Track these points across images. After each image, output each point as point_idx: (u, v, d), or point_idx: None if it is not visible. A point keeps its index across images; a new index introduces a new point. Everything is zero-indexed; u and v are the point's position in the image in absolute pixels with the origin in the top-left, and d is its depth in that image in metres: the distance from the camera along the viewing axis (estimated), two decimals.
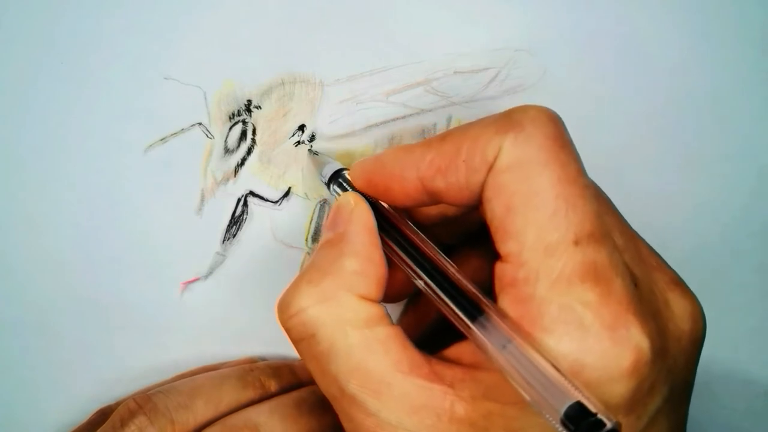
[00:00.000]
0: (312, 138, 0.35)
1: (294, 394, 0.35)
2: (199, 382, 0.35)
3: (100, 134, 0.33)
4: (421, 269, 0.28)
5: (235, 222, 0.36)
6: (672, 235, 0.37)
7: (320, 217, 0.37)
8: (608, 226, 0.27)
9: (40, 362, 0.36)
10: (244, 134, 0.35)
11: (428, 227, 0.32)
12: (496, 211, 0.26)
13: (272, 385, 0.36)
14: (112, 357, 0.37)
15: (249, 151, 0.35)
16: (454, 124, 0.36)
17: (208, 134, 0.34)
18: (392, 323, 0.28)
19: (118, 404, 0.35)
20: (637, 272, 0.27)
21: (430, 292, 0.28)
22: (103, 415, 0.35)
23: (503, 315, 0.25)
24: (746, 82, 0.37)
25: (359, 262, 0.28)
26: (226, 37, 0.33)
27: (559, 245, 0.25)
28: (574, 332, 0.24)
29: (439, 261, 0.28)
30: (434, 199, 0.29)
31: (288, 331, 0.28)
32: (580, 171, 0.26)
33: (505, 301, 0.26)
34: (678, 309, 0.28)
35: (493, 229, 0.27)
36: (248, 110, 0.34)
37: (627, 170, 0.38)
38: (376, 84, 0.35)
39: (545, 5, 0.35)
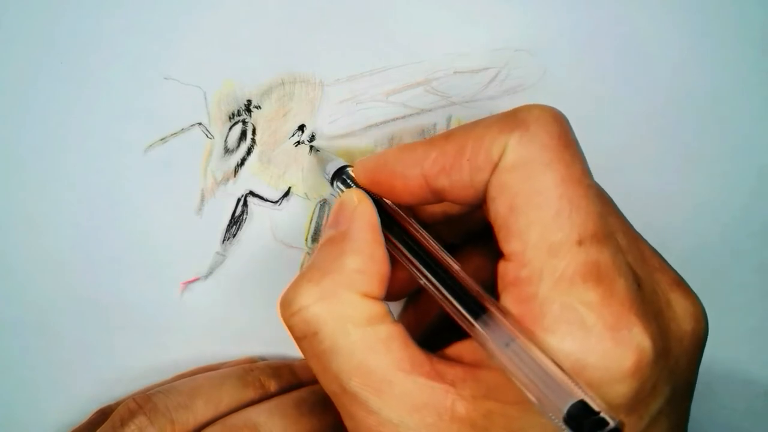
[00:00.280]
0: (312, 138, 0.35)
1: (294, 394, 0.35)
2: (199, 382, 0.35)
3: (100, 134, 0.33)
4: (424, 267, 0.28)
5: (235, 222, 0.36)
6: (672, 235, 0.37)
7: (320, 217, 0.37)
8: (611, 226, 0.27)
9: (40, 362, 0.36)
10: (244, 134, 0.35)
11: (432, 225, 0.32)
12: (499, 210, 0.26)
13: (272, 385, 0.36)
14: (112, 357, 0.37)
15: (249, 151, 0.35)
16: (454, 124, 0.36)
17: (208, 134, 0.34)
18: (394, 321, 0.28)
19: (118, 404, 0.35)
20: (639, 273, 0.27)
21: (434, 289, 0.28)
22: (103, 415, 0.35)
23: (506, 313, 0.25)
24: (746, 82, 0.38)
25: (362, 260, 0.28)
26: (226, 37, 0.33)
27: (563, 245, 0.25)
28: (576, 332, 0.24)
29: (442, 259, 0.28)
30: (438, 197, 0.29)
31: (290, 328, 0.28)
32: (585, 171, 0.26)
33: (508, 300, 0.26)
34: (680, 309, 0.28)
35: (496, 228, 0.27)
36: (248, 110, 0.34)
37: (627, 170, 0.38)
38: (376, 84, 0.35)
39: (545, 5, 0.35)
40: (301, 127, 0.35)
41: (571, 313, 0.25)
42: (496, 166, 0.26)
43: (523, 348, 0.24)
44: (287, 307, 0.28)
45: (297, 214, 0.37)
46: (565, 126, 0.27)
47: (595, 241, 0.25)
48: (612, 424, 0.22)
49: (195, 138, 0.34)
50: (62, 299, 0.35)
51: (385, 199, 0.31)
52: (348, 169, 0.32)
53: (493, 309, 0.26)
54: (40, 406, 0.36)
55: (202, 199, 0.35)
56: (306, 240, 0.37)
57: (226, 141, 0.35)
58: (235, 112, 0.34)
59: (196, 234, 0.35)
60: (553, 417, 0.23)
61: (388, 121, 0.36)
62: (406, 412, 0.26)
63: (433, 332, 0.35)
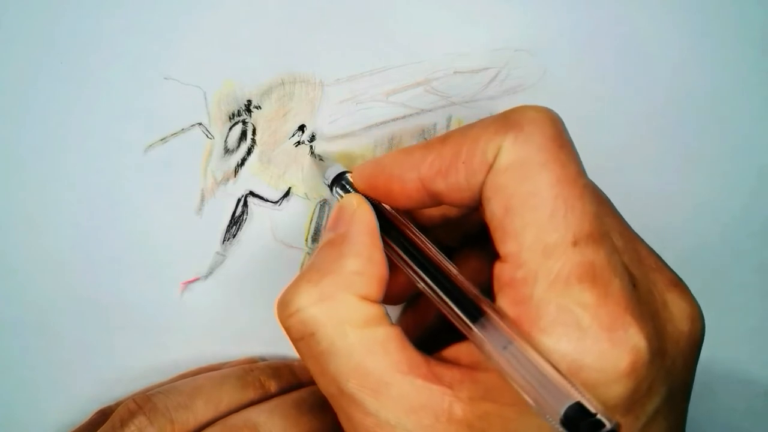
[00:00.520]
0: (312, 138, 0.35)
1: (294, 395, 0.35)
2: (199, 382, 0.35)
3: (100, 134, 0.33)
4: (422, 270, 0.28)
5: (235, 222, 0.36)
6: (672, 235, 0.37)
7: (320, 217, 0.37)
8: (607, 226, 0.27)
9: (40, 362, 0.36)
10: (244, 134, 0.35)
11: (430, 229, 0.32)
12: (495, 211, 0.26)
13: (272, 386, 0.36)
14: (112, 357, 0.37)
15: (249, 151, 0.35)
16: (454, 124, 0.36)
17: (208, 134, 0.34)
18: (392, 323, 0.28)
19: (118, 404, 0.35)
20: (635, 273, 0.27)
21: (431, 293, 0.28)
22: (104, 415, 0.35)
23: (503, 316, 0.25)
24: (746, 82, 0.37)
25: (360, 263, 0.28)
26: (226, 37, 0.33)
27: (558, 246, 0.25)
28: (571, 333, 0.24)
29: (440, 262, 0.28)
30: (435, 200, 0.29)
31: (287, 330, 0.28)
32: (580, 171, 0.26)
33: (504, 301, 0.26)
34: (676, 310, 0.28)
35: (492, 230, 0.27)
36: (248, 110, 0.34)
37: (627, 170, 0.38)
38: (376, 84, 0.35)
39: (545, 5, 0.35)
40: (301, 127, 0.35)
41: (567, 315, 0.25)
42: (491, 167, 0.26)
43: (520, 350, 0.24)
44: (285, 309, 0.28)
45: (297, 215, 0.37)
46: (559, 126, 0.27)
47: (591, 242, 0.25)
48: (609, 425, 0.22)
49: (195, 138, 0.34)
50: (62, 299, 0.35)
51: (383, 204, 0.31)
52: (347, 174, 0.32)
53: (490, 312, 0.26)
54: (40, 406, 0.36)
55: (202, 199, 0.35)
56: (306, 240, 0.37)
57: (226, 141, 0.35)
58: (235, 112, 0.34)
59: (196, 234, 0.35)
60: (550, 419, 0.23)
61: (388, 121, 0.36)
62: (404, 413, 0.26)
63: (431, 335, 0.35)
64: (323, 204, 0.37)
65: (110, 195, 0.34)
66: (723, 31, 0.37)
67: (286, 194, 0.36)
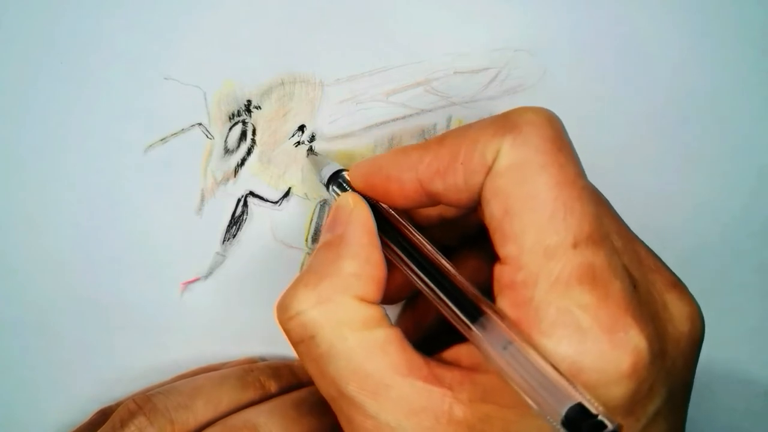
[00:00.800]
0: (312, 138, 0.35)
1: (294, 395, 0.35)
2: (199, 382, 0.35)
3: (100, 134, 0.33)
4: (421, 270, 0.28)
5: (235, 222, 0.36)
6: (672, 235, 0.37)
7: (320, 217, 0.37)
8: (606, 228, 0.27)
9: (40, 362, 0.36)
10: (244, 134, 0.35)
11: (428, 228, 0.32)
12: (494, 213, 0.26)
13: (272, 386, 0.36)
14: (112, 357, 0.37)
15: (249, 152, 0.35)
16: (454, 124, 0.36)
17: (208, 134, 0.34)
18: (391, 325, 0.28)
19: (118, 405, 0.35)
20: (635, 274, 0.27)
21: (431, 293, 0.28)
22: (104, 415, 0.35)
23: (503, 317, 0.25)
24: (746, 82, 0.37)
25: (358, 264, 0.28)
26: (226, 37, 0.33)
27: (558, 248, 0.25)
28: (572, 335, 0.24)
29: (439, 262, 0.28)
30: (433, 200, 0.29)
31: (287, 333, 0.28)
32: (579, 173, 0.26)
33: (504, 304, 0.26)
34: (676, 311, 0.28)
35: (491, 231, 0.26)
36: (248, 110, 0.34)
37: (627, 170, 0.38)
38: (376, 84, 0.35)
39: (545, 5, 0.35)
40: (301, 128, 0.35)
41: (567, 317, 0.25)
42: (490, 169, 0.26)
43: (521, 351, 0.24)
44: (284, 312, 0.28)
45: (297, 215, 0.37)
46: (558, 128, 0.27)
47: (590, 243, 0.25)
48: (610, 426, 0.22)
49: (195, 138, 0.34)
50: (62, 299, 0.35)
51: (380, 203, 0.31)
52: (343, 173, 0.32)
53: (490, 312, 0.26)
54: (40, 406, 0.36)
55: (202, 200, 0.35)
56: (306, 240, 0.37)
57: (226, 141, 0.35)
58: (235, 112, 0.34)
59: (196, 234, 0.35)
60: (551, 420, 0.23)
61: (388, 122, 0.36)
62: (404, 415, 0.26)
63: (430, 336, 0.35)
64: (323, 204, 0.37)
65: (110, 195, 0.34)
66: (723, 31, 0.37)
67: (286, 194, 0.36)
